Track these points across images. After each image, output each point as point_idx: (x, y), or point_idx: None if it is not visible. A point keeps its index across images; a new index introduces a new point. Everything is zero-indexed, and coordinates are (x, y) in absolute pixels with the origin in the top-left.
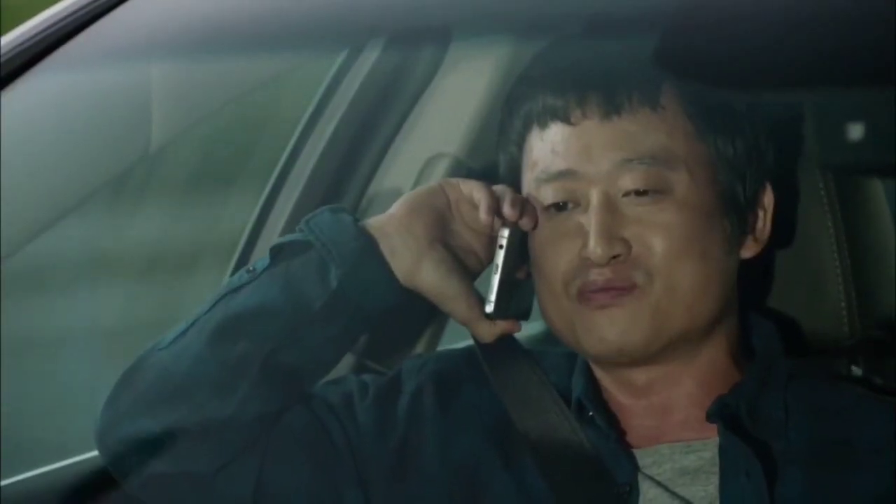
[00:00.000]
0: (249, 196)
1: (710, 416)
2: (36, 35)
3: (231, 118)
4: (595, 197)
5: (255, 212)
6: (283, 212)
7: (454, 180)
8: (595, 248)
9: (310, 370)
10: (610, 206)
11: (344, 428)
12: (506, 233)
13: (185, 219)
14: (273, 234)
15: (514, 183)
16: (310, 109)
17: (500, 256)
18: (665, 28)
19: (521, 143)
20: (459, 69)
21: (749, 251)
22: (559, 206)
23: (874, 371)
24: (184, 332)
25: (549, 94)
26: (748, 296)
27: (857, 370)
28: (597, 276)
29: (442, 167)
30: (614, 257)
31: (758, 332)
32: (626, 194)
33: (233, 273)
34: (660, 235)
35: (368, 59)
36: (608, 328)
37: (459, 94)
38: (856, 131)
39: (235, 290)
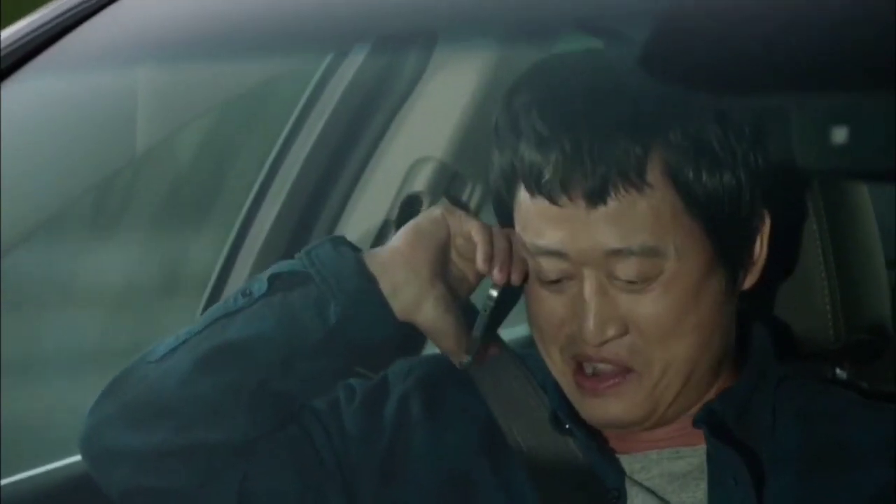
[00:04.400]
0: (236, 197)
1: (697, 423)
2: (21, 38)
3: (215, 122)
4: (588, 279)
5: (243, 211)
6: (269, 213)
7: (458, 212)
8: (587, 332)
9: (301, 397)
10: (603, 289)
11: (329, 434)
12: (495, 294)
13: (175, 216)
14: (260, 233)
15: (505, 212)
16: (295, 113)
17: (485, 319)
18: (650, 39)
19: (510, 190)
20: (444, 73)
21: (749, 281)
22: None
23: (859, 375)
24: (174, 350)
25: (533, 167)
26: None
27: (842, 374)
28: (592, 352)
29: (427, 171)
30: (608, 340)
31: (751, 337)
32: (617, 278)
33: (220, 272)
34: (653, 319)
35: (353, 63)
36: (603, 412)
37: (444, 97)
38: (840, 135)
39: (230, 314)
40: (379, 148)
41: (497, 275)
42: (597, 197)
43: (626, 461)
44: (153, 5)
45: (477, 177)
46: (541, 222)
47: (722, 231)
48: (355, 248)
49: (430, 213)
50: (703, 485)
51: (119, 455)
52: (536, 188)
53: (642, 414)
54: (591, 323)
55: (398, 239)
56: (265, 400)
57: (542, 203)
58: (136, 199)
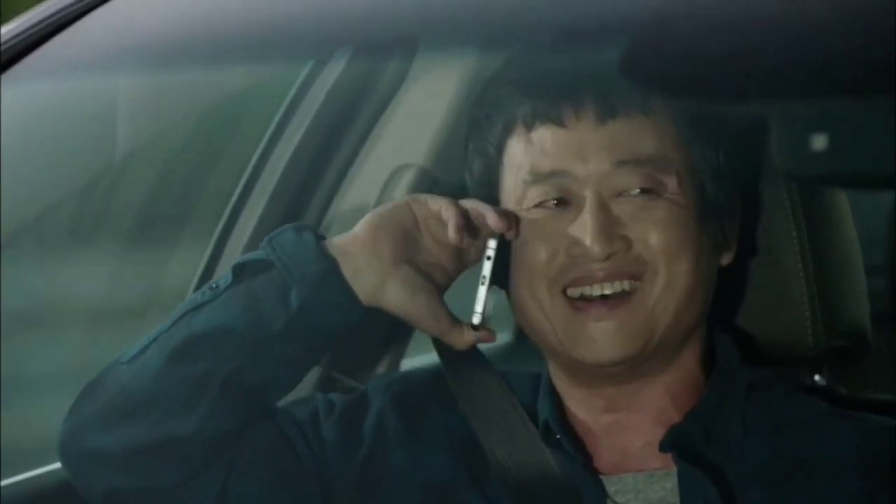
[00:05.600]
0: (216, 203)
1: (664, 447)
2: (3, 43)
3: (197, 127)
4: (590, 197)
5: (224, 217)
6: (249, 220)
7: (422, 196)
8: (593, 245)
9: (272, 388)
10: (605, 206)
11: (309, 443)
12: (493, 244)
13: (155, 222)
14: (241, 239)
15: (490, 185)
16: (275, 120)
17: (488, 267)
18: (633, 40)
19: (501, 147)
20: (425, 80)
21: (725, 259)
22: (546, 206)
23: (838, 381)
24: (145, 349)
25: (538, 98)
26: (713, 305)
27: (820, 380)
28: (598, 267)
29: (408, 178)
30: (613, 254)
31: (716, 342)
32: (621, 194)
33: (200, 280)
34: (657, 231)
35: (334, 70)
36: (602, 340)
37: (425, 104)
38: (819, 141)
39: (197, 307)
40: (360, 155)
41: (494, 221)
42: (606, 114)
43: (603, 483)
44: (134, 11)
45: (458, 184)
46: (544, 149)
47: (710, 178)
48: (318, 235)
49: (394, 201)
50: None
51: (96, 458)
52: (544, 113)
53: (638, 346)
54: (595, 236)
55: (360, 225)
56: (235, 390)
57: (546, 131)
58: (115, 204)
